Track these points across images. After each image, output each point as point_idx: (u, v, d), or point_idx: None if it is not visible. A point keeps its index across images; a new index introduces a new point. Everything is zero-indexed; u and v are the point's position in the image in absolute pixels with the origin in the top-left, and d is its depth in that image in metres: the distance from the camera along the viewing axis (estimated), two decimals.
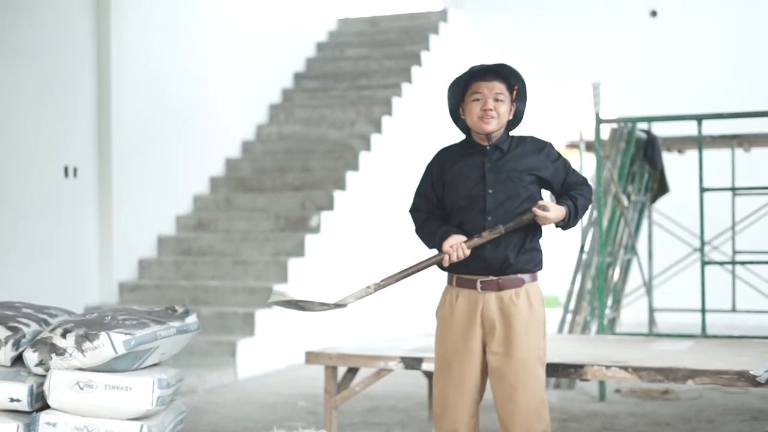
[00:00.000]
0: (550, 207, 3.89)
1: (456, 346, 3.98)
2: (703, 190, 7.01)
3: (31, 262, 8.25)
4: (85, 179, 8.84)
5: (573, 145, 10.04)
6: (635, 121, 7.78)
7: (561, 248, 15.04)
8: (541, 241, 4.06)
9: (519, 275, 3.96)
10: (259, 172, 10.70)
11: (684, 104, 11.07)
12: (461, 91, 4.01)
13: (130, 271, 9.35)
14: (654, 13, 12.03)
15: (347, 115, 11.24)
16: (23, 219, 8.21)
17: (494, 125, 3.93)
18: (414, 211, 4.15)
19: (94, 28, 8.93)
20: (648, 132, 8.34)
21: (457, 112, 4.05)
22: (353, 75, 12.11)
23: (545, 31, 12.48)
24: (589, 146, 9.48)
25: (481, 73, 3.96)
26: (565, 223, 3.98)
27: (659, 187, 8.86)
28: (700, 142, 7.04)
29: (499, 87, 3.94)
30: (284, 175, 10.42)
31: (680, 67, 11.81)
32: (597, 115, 7.29)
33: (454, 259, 3.90)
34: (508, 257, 3.93)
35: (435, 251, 4.04)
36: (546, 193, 4.14)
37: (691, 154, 9.78)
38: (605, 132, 8.22)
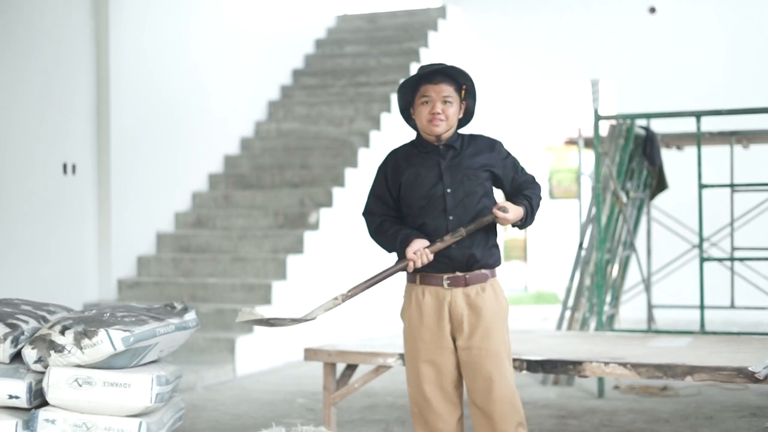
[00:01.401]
0: (509, 208, 3.94)
1: (428, 344, 4.01)
2: (701, 186, 7.01)
3: (29, 259, 8.25)
4: (84, 176, 8.84)
5: (572, 142, 10.05)
6: (634, 117, 7.78)
7: (560, 245, 15.06)
8: (497, 239, 4.14)
9: (483, 270, 4.01)
10: (258, 169, 10.70)
11: (683, 101, 11.08)
12: (409, 94, 4.05)
13: (129, 268, 9.35)
14: (653, 10, 12.03)
15: (346, 112, 11.24)
16: (22, 216, 8.20)
17: (443, 127, 3.98)
18: (368, 214, 4.17)
19: (92, 25, 8.92)
20: (647, 128, 8.34)
21: (407, 112, 4.10)
22: (352, 72, 12.10)
23: (543, 28, 12.47)
24: (588, 143, 9.49)
25: (428, 76, 4.00)
26: (522, 223, 4.03)
27: (658, 183, 8.86)
28: (698, 139, 7.04)
29: (446, 89, 3.98)
30: (283, 172, 10.42)
31: (679, 63, 11.81)
32: (596, 111, 7.29)
33: (419, 265, 3.93)
34: (474, 254, 3.97)
35: (394, 255, 4.06)
36: (497, 193, 4.18)
37: (690, 151, 9.79)
38: (604, 129, 8.22)
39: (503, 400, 3.93)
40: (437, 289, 3.99)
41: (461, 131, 4.11)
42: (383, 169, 4.14)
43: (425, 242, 3.93)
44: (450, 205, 3.96)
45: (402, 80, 4.08)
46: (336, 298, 3.96)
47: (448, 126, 3.99)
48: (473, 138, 4.09)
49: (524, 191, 4.05)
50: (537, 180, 4.14)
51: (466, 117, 4.09)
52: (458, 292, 3.98)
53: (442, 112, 3.95)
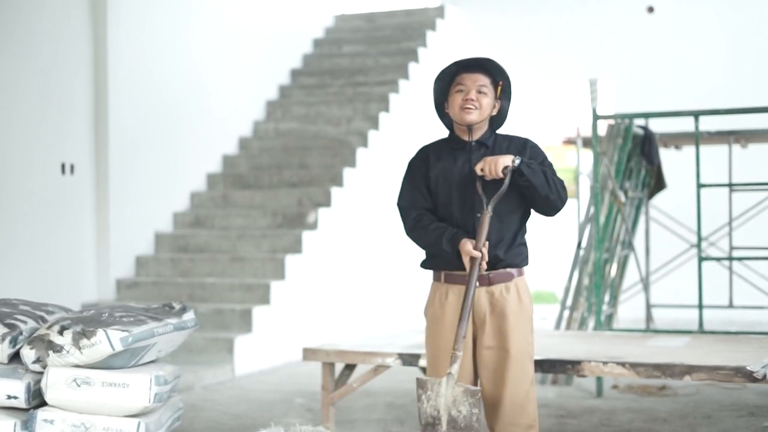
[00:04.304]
0: (489, 158, 3.85)
1: (448, 343, 3.97)
2: (700, 186, 7.02)
3: (28, 259, 8.25)
4: (82, 176, 8.83)
5: (570, 142, 10.04)
6: (632, 117, 7.78)
7: (558, 244, 15.07)
8: (527, 236, 4.08)
9: (508, 269, 3.98)
10: (256, 168, 10.70)
11: (681, 100, 11.08)
12: (446, 85, 4.00)
13: (127, 268, 9.34)
14: (651, 9, 12.03)
15: (344, 111, 11.24)
16: (20, 216, 8.20)
17: (475, 116, 3.92)
18: (404, 207, 4.08)
19: (90, 24, 8.91)
20: (645, 128, 8.35)
21: (441, 107, 4.04)
22: (350, 71, 12.10)
23: (542, 27, 12.47)
24: (587, 142, 9.49)
25: (466, 66, 3.97)
26: (522, 164, 3.86)
27: (656, 183, 8.86)
28: (697, 138, 7.05)
29: (483, 80, 3.95)
30: (281, 172, 10.41)
31: (677, 62, 11.82)
32: (594, 111, 7.29)
33: (487, 259, 3.87)
34: (497, 254, 3.94)
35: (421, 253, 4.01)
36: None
37: (688, 150, 9.79)
38: (602, 128, 8.22)
39: (513, 402, 3.92)
40: (461, 288, 3.95)
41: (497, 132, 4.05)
42: (414, 164, 4.09)
43: (471, 240, 3.86)
44: (479, 202, 3.91)
45: (439, 72, 4.01)
46: (455, 352, 3.84)
47: (480, 116, 3.93)
48: (507, 138, 4.05)
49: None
50: (561, 179, 4.00)
51: (500, 117, 4.03)
52: (482, 291, 3.94)
53: (476, 100, 3.90)
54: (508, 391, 3.92)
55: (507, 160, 3.86)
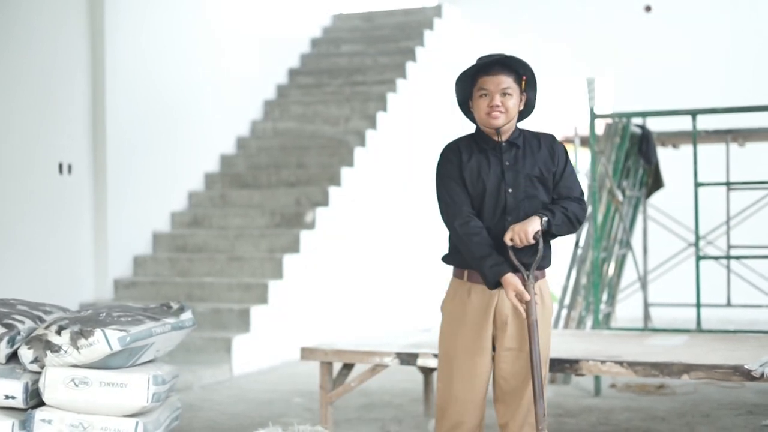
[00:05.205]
0: (516, 226, 3.80)
1: (467, 343, 3.94)
2: (697, 184, 7.02)
3: (25, 259, 8.24)
4: (80, 176, 8.83)
5: (568, 141, 10.05)
6: (630, 116, 7.78)
7: (556, 243, 15.10)
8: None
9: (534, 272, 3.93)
10: (254, 168, 10.69)
11: (678, 99, 11.08)
12: (468, 86, 3.93)
13: (125, 267, 9.34)
14: (648, 9, 12.04)
15: (342, 111, 11.23)
16: (17, 216, 8.19)
17: (502, 120, 3.85)
18: (449, 203, 3.91)
19: (88, 24, 8.91)
20: (642, 127, 8.35)
21: (466, 105, 3.97)
22: (348, 71, 12.10)
23: (540, 26, 12.47)
24: (584, 141, 9.49)
25: (486, 67, 3.89)
26: (549, 225, 3.86)
27: (654, 182, 8.86)
28: (694, 137, 7.06)
29: (505, 81, 3.86)
30: (279, 172, 10.41)
31: (675, 62, 11.82)
32: (591, 110, 7.29)
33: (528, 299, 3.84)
34: (527, 262, 3.90)
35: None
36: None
37: (686, 149, 9.79)
38: (600, 127, 8.22)
39: (527, 403, 3.93)
40: (485, 288, 3.90)
41: (521, 125, 3.98)
42: (448, 156, 3.95)
43: (516, 278, 3.81)
44: (510, 205, 3.87)
45: (460, 73, 3.94)
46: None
47: (507, 118, 3.85)
48: (534, 135, 3.98)
49: (555, 204, 3.91)
50: (581, 197, 3.97)
51: (527, 109, 3.96)
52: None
53: (502, 105, 3.83)
54: (525, 392, 3.92)
55: (536, 225, 3.81)
